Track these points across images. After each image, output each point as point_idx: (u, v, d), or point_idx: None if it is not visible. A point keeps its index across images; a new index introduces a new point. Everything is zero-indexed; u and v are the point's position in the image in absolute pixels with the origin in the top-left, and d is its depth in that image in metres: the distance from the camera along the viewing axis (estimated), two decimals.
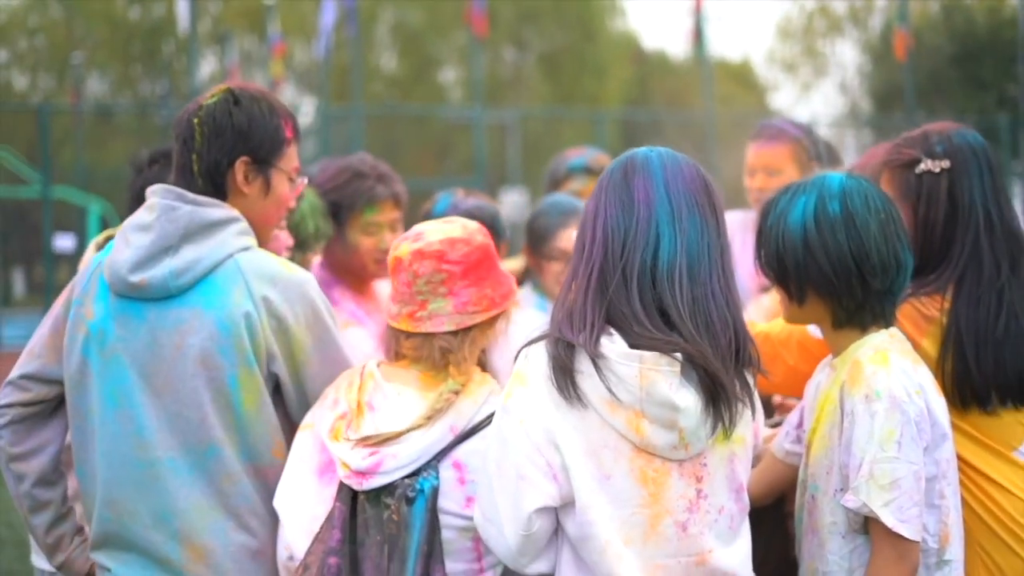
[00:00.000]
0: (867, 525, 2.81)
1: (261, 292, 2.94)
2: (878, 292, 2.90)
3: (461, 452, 2.84)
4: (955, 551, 2.91)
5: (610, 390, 2.52)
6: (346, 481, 2.83)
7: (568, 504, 2.59)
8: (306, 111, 37.50)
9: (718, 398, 2.56)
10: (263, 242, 3.12)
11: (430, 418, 2.83)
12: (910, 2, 34.08)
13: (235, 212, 3.01)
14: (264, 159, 3.06)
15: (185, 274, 2.92)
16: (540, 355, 2.63)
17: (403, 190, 4.27)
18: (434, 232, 2.98)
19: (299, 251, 3.97)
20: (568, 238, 4.27)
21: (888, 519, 2.72)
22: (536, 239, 4.48)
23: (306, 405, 3.03)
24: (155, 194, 3.02)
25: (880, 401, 2.78)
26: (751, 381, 2.66)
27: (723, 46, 55.49)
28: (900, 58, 29.93)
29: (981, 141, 3.24)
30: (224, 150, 3.02)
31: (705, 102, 30.69)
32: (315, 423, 2.96)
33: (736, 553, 2.66)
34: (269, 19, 32.81)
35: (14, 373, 3.16)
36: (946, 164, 3.17)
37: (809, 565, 2.94)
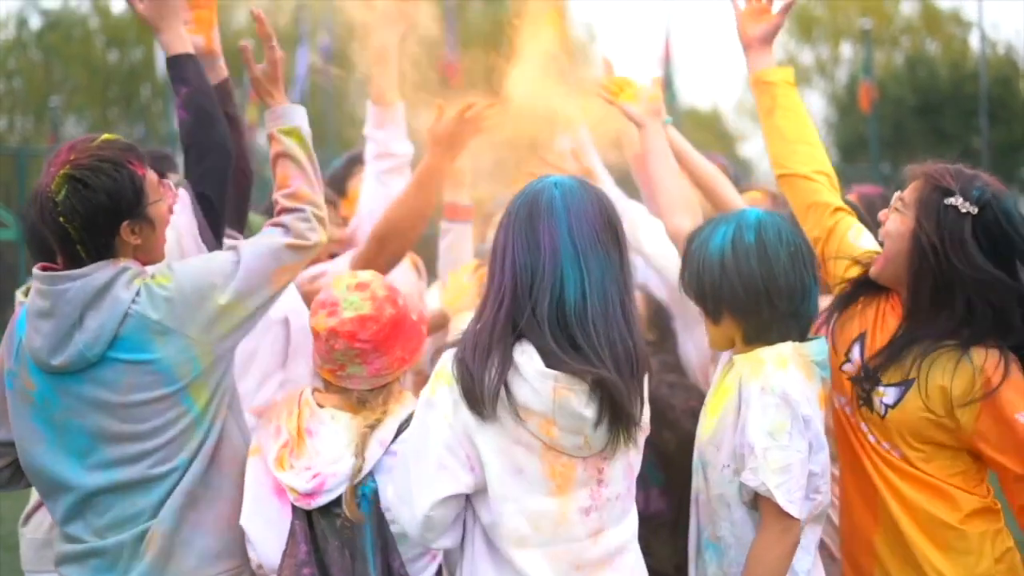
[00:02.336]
0: (756, 501, 3.15)
1: (171, 316, 3.12)
2: (784, 314, 3.22)
3: (391, 454, 3.19)
4: (809, 539, 3.22)
5: (522, 405, 2.75)
6: (297, 504, 3.19)
7: (481, 492, 2.83)
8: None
9: (620, 417, 2.79)
10: (159, 258, 3.28)
11: (361, 452, 3.19)
12: (874, 55, 34.68)
13: (119, 264, 3.14)
14: (137, 211, 3.16)
15: (96, 343, 3.09)
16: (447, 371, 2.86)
17: (334, 195, 4.92)
18: (347, 306, 3.27)
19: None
20: None
21: (780, 499, 3.07)
22: None
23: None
24: (42, 281, 3.15)
25: (774, 396, 3.13)
26: (644, 386, 2.88)
27: (693, 95, 55.91)
28: (864, 110, 30.40)
29: (1017, 219, 3.25)
30: (103, 232, 3.13)
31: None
32: (261, 448, 3.29)
33: (626, 530, 2.95)
34: (245, 65, 33.11)
35: None
36: (973, 211, 3.22)
37: (702, 528, 3.30)
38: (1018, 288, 3.22)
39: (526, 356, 2.76)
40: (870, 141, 31.02)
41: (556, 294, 2.75)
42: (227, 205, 3.63)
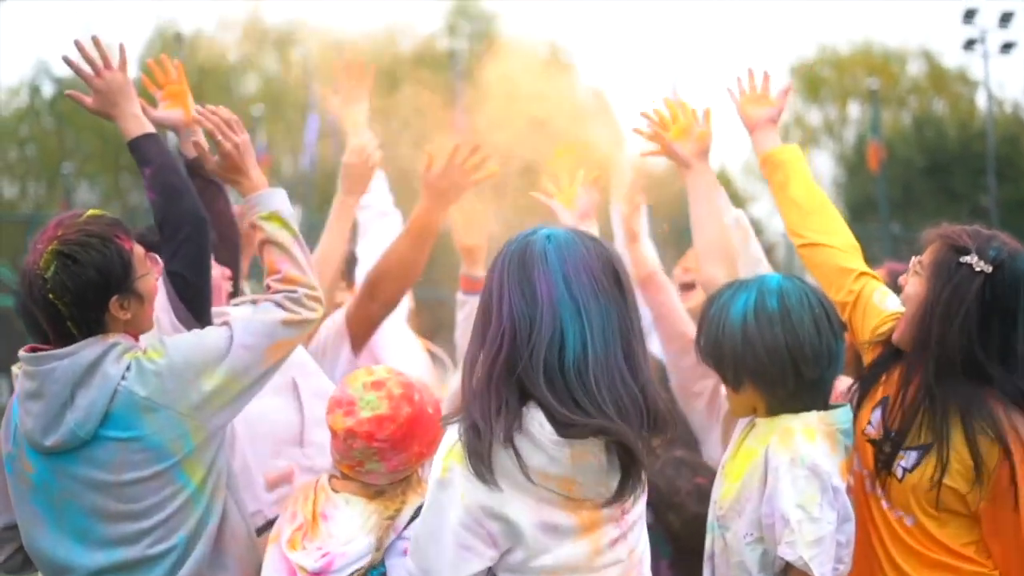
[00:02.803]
0: (786, 571, 3.12)
1: (162, 394, 3.11)
2: (810, 381, 3.17)
3: (403, 538, 3.19)
4: None
5: (540, 471, 2.64)
6: None
7: (508, 551, 2.72)
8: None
9: (632, 469, 2.69)
10: (148, 328, 3.29)
11: (380, 543, 3.19)
12: (882, 115, 34.81)
13: (108, 340, 3.14)
14: (126, 286, 3.16)
15: (88, 421, 3.07)
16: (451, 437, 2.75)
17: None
18: (364, 406, 3.26)
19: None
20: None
21: (816, 571, 3.03)
22: None
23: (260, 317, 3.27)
24: (29, 362, 3.14)
25: (803, 468, 3.09)
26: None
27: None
28: (873, 170, 30.49)
29: None
30: (92, 307, 3.12)
31: (683, 212, 31.06)
32: (279, 535, 3.29)
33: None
34: (256, 131, 33.32)
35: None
36: (988, 269, 3.22)
37: None
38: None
39: (536, 423, 2.65)
40: (879, 201, 31.09)
41: (556, 345, 2.63)
42: (208, 276, 3.60)
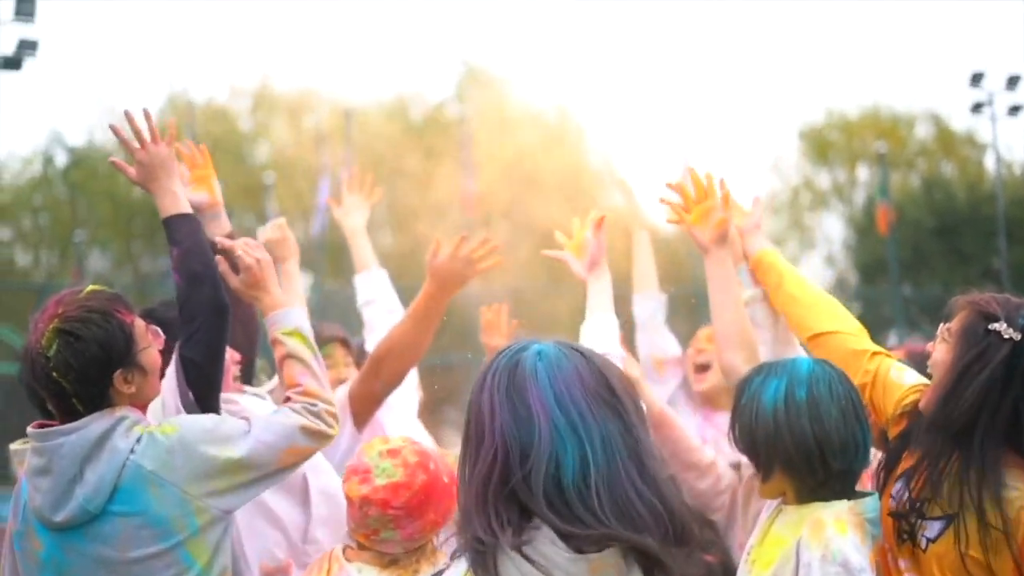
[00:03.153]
0: None
1: (171, 472, 3.12)
2: (839, 471, 3.17)
3: None
4: None
5: None
6: None
7: None
8: (303, 287, 38.00)
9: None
10: (153, 397, 3.33)
11: None
12: (891, 177, 34.91)
13: (116, 414, 3.16)
14: (129, 360, 3.19)
15: (97, 496, 3.09)
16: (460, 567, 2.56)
17: (345, 335, 5.28)
18: (380, 474, 3.28)
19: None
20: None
21: None
22: None
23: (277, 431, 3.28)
24: (36, 438, 3.18)
25: (835, 564, 3.07)
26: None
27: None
28: (883, 232, 30.54)
29: None
30: (96, 383, 3.14)
31: (693, 276, 31.11)
32: None
33: None
34: (267, 197, 33.49)
35: None
36: (1016, 337, 3.19)
37: None
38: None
39: (548, 541, 2.47)
40: (889, 263, 31.11)
41: (553, 465, 2.47)
42: (220, 366, 3.58)
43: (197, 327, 3.48)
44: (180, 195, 3.65)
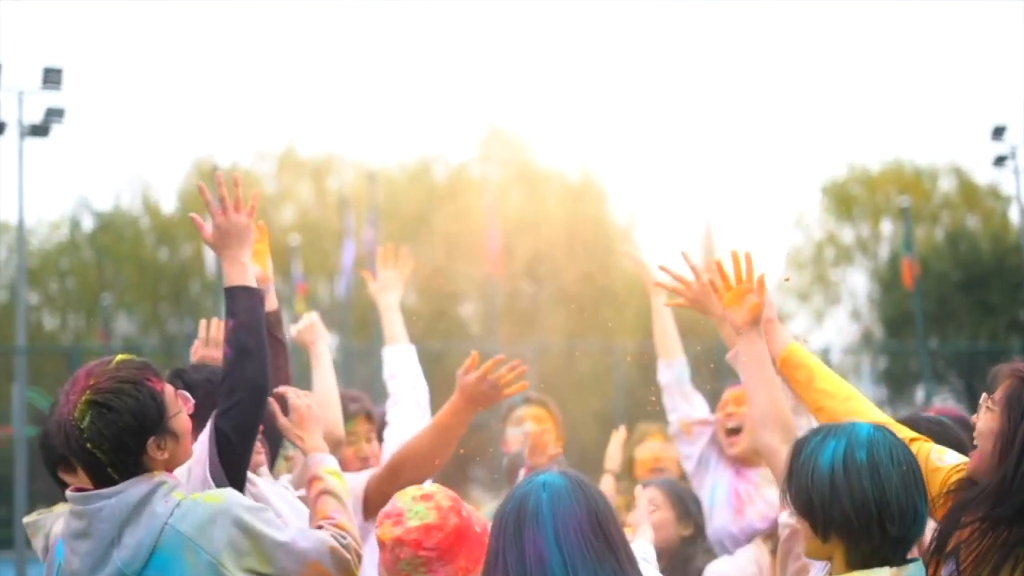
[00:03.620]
0: None
1: (208, 542, 3.14)
2: (894, 539, 3.08)
3: None
4: None
5: None
6: None
7: None
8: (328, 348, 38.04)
9: None
10: (185, 458, 3.38)
11: None
12: (915, 231, 34.84)
13: (154, 479, 3.20)
14: (161, 427, 3.23)
15: (135, 560, 3.12)
16: None
17: (372, 407, 5.18)
18: (412, 516, 3.29)
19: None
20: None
21: None
22: (514, 475, 5.21)
23: (303, 568, 3.29)
24: (76, 501, 3.20)
25: None
26: None
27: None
28: (908, 286, 30.45)
29: None
30: (131, 452, 3.18)
31: (716, 333, 31.00)
32: None
33: None
34: (293, 259, 33.63)
35: None
36: None
37: None
38: None
39: None
40: (915, 316, 30.99)
41: None
42: (251, 444, 3.63)
43: (236, 401, 3.52)
44: (248, 267, 3.70)
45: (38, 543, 4.19)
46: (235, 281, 3.65)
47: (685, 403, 5.06)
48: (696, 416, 5.09)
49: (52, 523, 4.20)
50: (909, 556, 3.17)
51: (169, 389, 3.30)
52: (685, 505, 4.89)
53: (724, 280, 4.10)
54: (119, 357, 3.28)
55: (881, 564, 3.08)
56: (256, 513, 3.25)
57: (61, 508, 4.22)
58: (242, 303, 3.61)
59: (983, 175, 43.80)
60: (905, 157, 45.47)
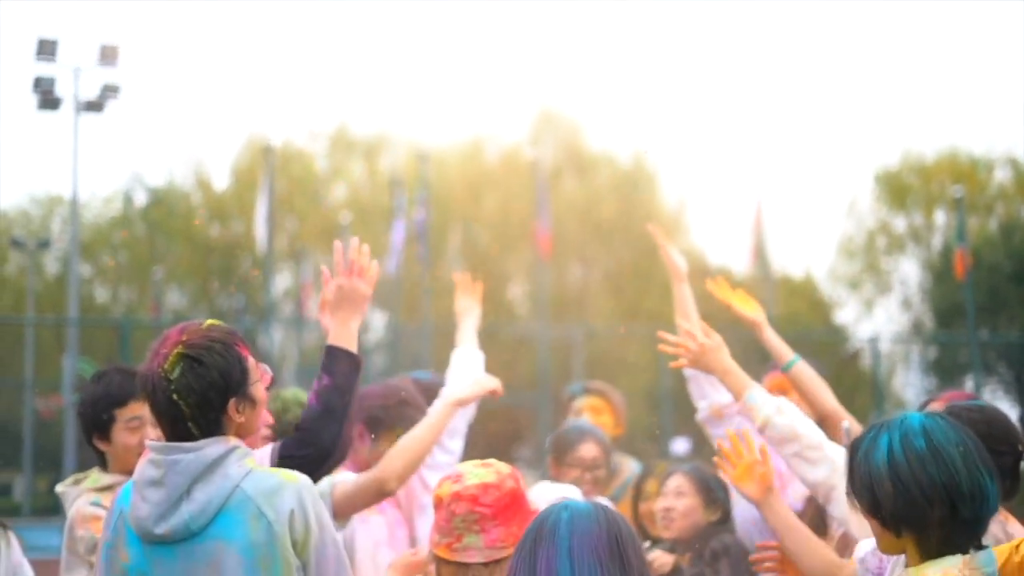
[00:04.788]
0: None
1: (271, 508, 3.20)
2: (965, 521, 3.03)
3: None
4: None
5: None
6: None
7: None
8: (377, 326, 38.14)
9: None
10: (256, 440, 3.47)
11: None
12: (968, 221, 34.57)
13: (230, 442, 3.27)
14: (244, 390, 3.33)
15: (202, 515, 3.18)
16: None
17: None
18: (472, 476, 3.37)
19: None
20: (584, 449, 5.38)
21: None
22: (558, 452, 5.50)
23: None
24: (156, 451, 3.27)
25: None
26: None
27: (786, 263, 55.66)
28: (960, 277, 30.24)
29: None
30: (214, 408, 3.27)
31: (768, 319, 30.87)
32: None
33: None
34: (343, 237, 33.74)
35: None
36: None
37: None
38: None
39: None
40: (966, 307, 30.75)
41: None
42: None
43: (303, 455, 3.74)
44: (354, 335, 3.90)
45: (71, 512, 4.29)
46: (339, 342, 3.88)
47: (712, 389, 5.07)
48: (725, 400, 5.09)
49: (76, 496, 4.32)
50: (983, 541, 3.12)
51: (251, 358, 3.40)
52: (711, 491, 4.91)
53: (729, 459, 4.32)
54: (209, 321, 3.40)
55: (954, 551, 3.04)
56: (321, 504, 3.32)
57: (89, 483, 4.37)
58: (342, 366, 3.85)
59: None
60: (961, 146, 45.14)
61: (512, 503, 3.33)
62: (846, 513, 4.04)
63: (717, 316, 5.11)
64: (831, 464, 4.10)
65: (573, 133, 44.43)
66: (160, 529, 3.19)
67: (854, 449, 3.16)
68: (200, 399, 3.26)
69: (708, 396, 5.07)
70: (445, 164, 41.63)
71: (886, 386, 31.63)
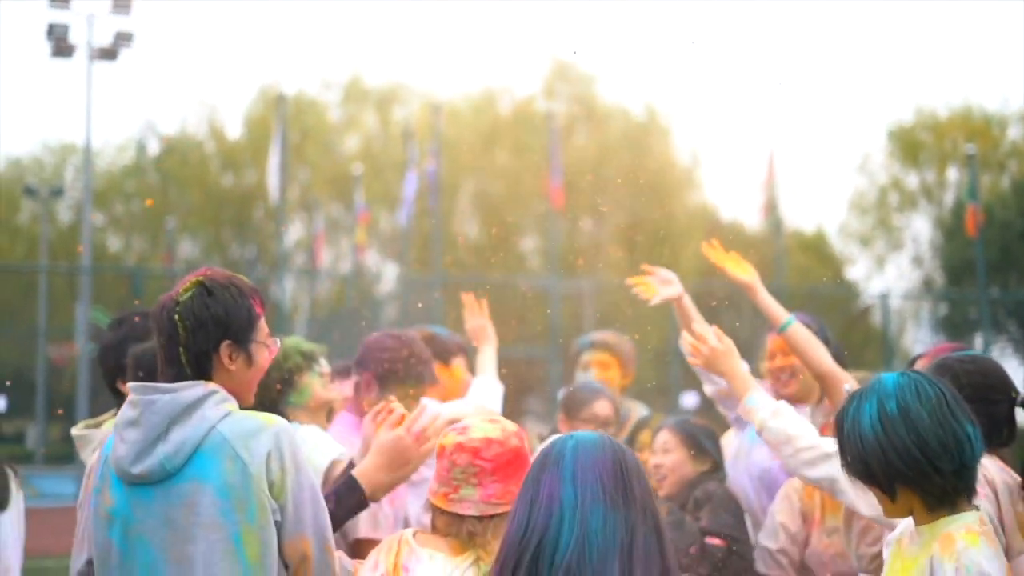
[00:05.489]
0: None
1: (247, 450, 3.22)
2: (952, 472, 3.10)
3: None
4: None
5: None
6: None
7: None
8: (388, 278, 38.23)
9: None
10: (245, 403, 3.46)
11: None
12: (981, 179, 34.49)
13: (210, 386, 3.28)
14: (243, 338, 3.35)
15: (176, 456, 3.21)
16: None
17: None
18: (477, 429, 3.37)
19: (315, 364, 4.64)
20: (597, 407, 5.46)
21: None
22: (569, 409, 5.51)
23: (294, 534, 3.33)
24: (134, 391, 3.30)
25: (971, 574, 3.04)
26: None
27: (797, 218, 55.50)
28: (971, 234, 30.21)
29: None
30: (208, 340, 3.30)
31: (779, 274, 31.03)
32: None
33: None
34: (355, 188, 33.78)
35: (78, 563, 3.78)
36: None
37: None
38: None
39: None
40: (977, 265, 30.75)
41: (547, 547, 2.66)
42: None
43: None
44: (386, 486, 3.90)
45: (86, 456, 4.36)
46: (366, 484, 3.85)
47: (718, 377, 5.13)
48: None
49: (100, 438, 4.35)
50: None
51: (264, 323, 3.42)
52: (697, 442, 4.97)
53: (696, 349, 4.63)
54: (241, 276, 3.47)
55: (959, 500, 3.13)
56: (299, 448, 3.35)
57: (107, 426, 4.40)
58: (349, 502, 3.84)
59: None
60: (974, 103, 44.95)
61: (513, 460, 3.34)
62: (853, 499, 4.12)
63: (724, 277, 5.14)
64: (828, 459, 4.15)
65: (586, 85, 44.29)
66: (136, 469, 3.24)
67: (840, 423, 3.23)
68: (197, 325, 3.29)
69: (715, 381, 5.14)
70: (458, 116, 41.56)
71: (896, 342, 31.72)
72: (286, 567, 3.34)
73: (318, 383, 4.66)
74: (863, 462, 3.14)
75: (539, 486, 2.73)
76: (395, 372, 4.73)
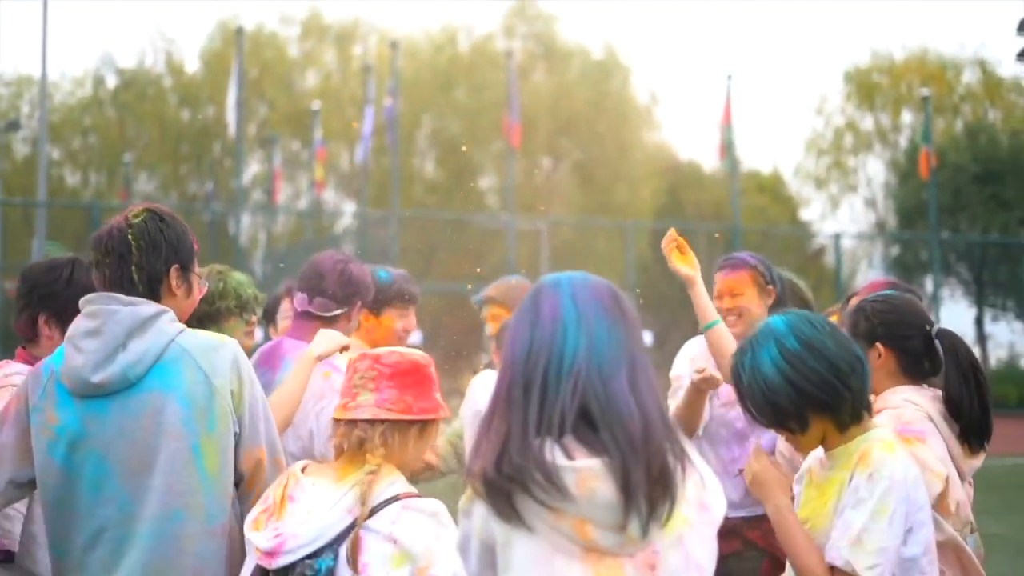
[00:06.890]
0: None
1: (208, 362, 3.33)
2: (860, 388, 3.30)
3: (362, 533, 3.23)
4: None
5: (548, 505, 2.49)
6: (260, 562, 3.27)
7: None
8: (346, 214, 38.17)
9: (634, 495, 2.49)
10: (181, 316, 3.48)
11: (363, 503, 3.23)
12: (935, 122, 34.78)
13: (162, 307, 3.38)
14: (188, 267, 3.48)
15: (138, 364, 3.27)
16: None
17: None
18: (387, 350, 3.46)
19: (245, 313, 4.73)
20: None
21: None
22: (500, 344, 5.43)
23: (251, 445, 3.45)
24: (93, 302, 3.36)
25: (882, 481, 3.19)
26: (675, 462, 2.54)
27: (753, 159, 55.64)
28: (924, 176, 30.52)
29: None
30: (161, 260, 3.41)
31: (734, 213, 31.19)
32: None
33: None
34: (313, 124, 33.69)
35: None
36: None
37: None
38: None
39: (546, 450, 2.51)
40: (929, 207, 31.09)
41: (556, 357, 2.59)
42: None
43: None
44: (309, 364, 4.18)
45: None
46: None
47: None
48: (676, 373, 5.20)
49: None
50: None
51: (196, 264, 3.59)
52: None
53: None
54: None
55: (861, 416, 3.31)
56: (250, 365, 3.50)
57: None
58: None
59: (1007, 69, 43.63)
60: (930, 47, 45.23)
61: (413, 372, 3.41)
62: (780, 446, 4.30)
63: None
64: None
65: (546, 24, 44.22)
66: (96, 377, 3.29)
67: (738, 376, 3.34)
68: (151, 245, 3.40)
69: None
70: (417, 53, 41.44)
71: (848, 283, 32.01)
72: (237, 482, 3.45)
73: (240, 331, 4.72)
74: (771, 403, 3.26)
75: (538, 307, 2.67)
76: (336, 296, 4.70)
